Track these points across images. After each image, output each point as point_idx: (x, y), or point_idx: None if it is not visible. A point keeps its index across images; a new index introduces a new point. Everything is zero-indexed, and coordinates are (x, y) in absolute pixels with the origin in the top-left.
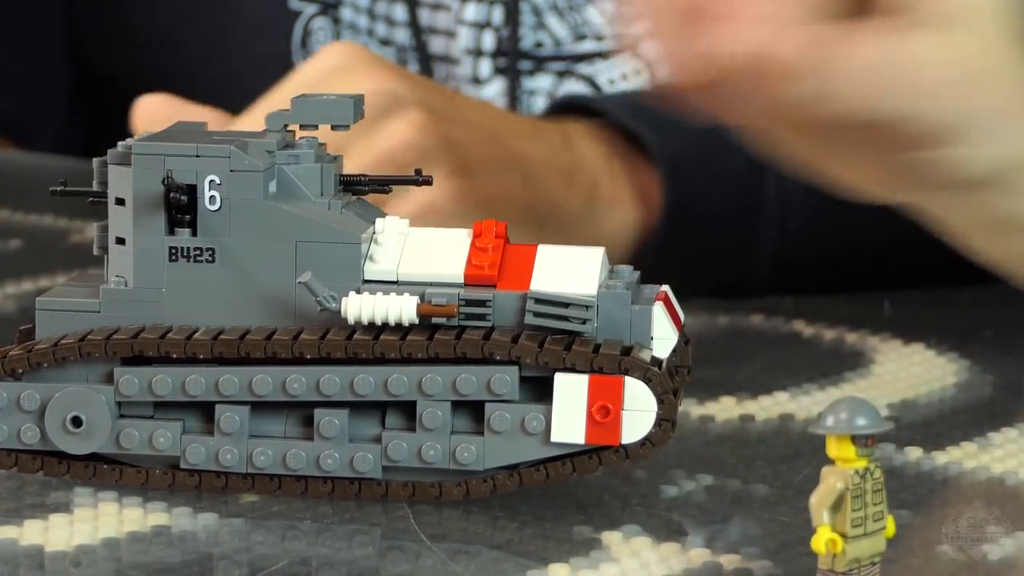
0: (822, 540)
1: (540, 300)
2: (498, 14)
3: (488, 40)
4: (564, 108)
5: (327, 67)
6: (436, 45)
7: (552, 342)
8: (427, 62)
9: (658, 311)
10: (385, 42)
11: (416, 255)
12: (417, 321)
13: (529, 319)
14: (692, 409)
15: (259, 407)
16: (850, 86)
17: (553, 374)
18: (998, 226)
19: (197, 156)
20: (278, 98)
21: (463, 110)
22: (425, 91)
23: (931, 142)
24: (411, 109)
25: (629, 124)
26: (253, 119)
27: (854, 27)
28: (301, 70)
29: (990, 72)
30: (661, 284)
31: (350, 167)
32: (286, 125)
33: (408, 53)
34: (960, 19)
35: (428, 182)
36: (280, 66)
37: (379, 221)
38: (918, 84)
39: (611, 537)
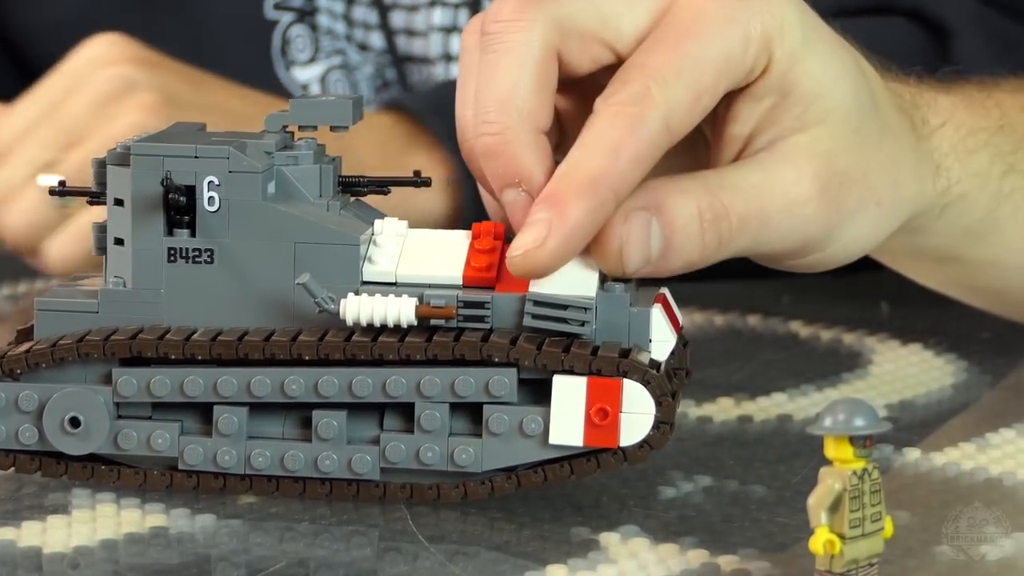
0: (820, 541)
1: (539, 302)
2: (464, 18)
3: (456, 44)
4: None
5: (86, 59)
6: (417, 47)
7: (550, 344)
8: (400, 64)
9: (656, 313)
10: (363, 47)
11: (415, 256)
12: (416, 323)
13: (528, 321)
14: (690, 410)
15: (257, 408)
16: (686, 239)
17: (551, 376)
18: (921, 258)
19: (196, 157)
20: (47, 87)
21: (210, 96)
22: (168, 77)
23: (793, 255)
24: (142, 93)
25: (421, 113)
26: (25, 108)
27: (676, 178)
28: (66, 62)
29: (843, 171)
30: (660, 287)
31: (83, 152)
32: (285, 126)
33: (384, 56)
34: (792, 144)
35: (427, 183)
36: (261, 77)
37: (378, 222)
38: (748, 220)
39: (609, 538)
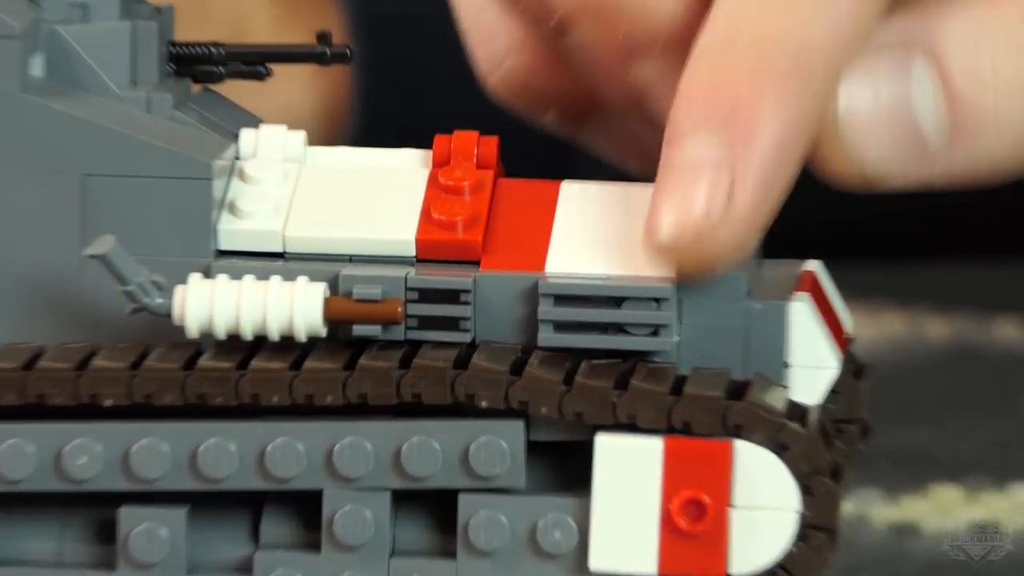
0: None
1: (567, 294)
2: None
3: None
4: None
5: None
6: None
7: (591, 372)
8: None
9: (802, 312)
10: None
11: (320, 202)
12: (324, 332)
13: (546, 333)
14: (872, 509)
15: (6, 502)
16: (1004, 94)
17: (592, 437)
18: None
19: None
20: None
21: None
22: None
23: None
24: None
25: None
26: None
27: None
28: None
29: None
30: (804, 261)
31: None
32: None
33: None
34: None
35: (344, 56)
36: None
37: (246, 135)
38: None
39: None
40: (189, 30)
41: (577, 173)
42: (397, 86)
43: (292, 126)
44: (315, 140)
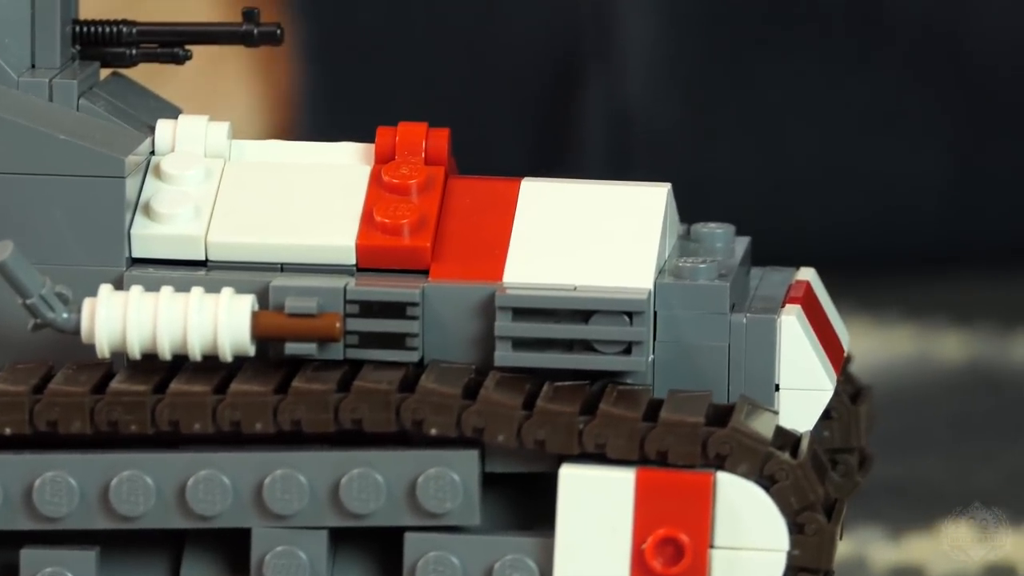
0: None
1: (526, 308)
2: None
3: None
4: None
5: None
6: None
7: (554, 396)
8: None
9: (792, 327)
10: None
11: (246, 203)
12: (252, 350)
13: (504, 351)
14: (872, 550)
15: None
16: None
17: (555, 468)
18: None
19: None
20: None
21: None
22: None
23: None
24: None
25: None
26: None
27: None
28: None
29: None
30: (797, 267)
31: None
32: None
33: None
34: None
35: (271, 37)
36: None
37: (163, 127)
38: None
39: None
40: (96, 6)
41: (561, 171)
42: (350, 74)
43: (233, 122)
44: (258, 136)
